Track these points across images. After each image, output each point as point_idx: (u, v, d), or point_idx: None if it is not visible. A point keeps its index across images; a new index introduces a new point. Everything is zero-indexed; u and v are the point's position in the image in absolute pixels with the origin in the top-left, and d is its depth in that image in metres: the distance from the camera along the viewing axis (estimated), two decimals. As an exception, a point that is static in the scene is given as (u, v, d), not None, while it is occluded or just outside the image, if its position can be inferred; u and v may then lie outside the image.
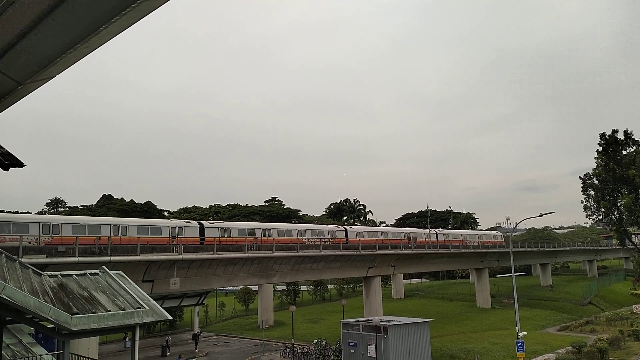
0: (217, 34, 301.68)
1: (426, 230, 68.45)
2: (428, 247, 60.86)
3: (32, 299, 11.84)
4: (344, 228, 56.12)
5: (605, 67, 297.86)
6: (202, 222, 43.83)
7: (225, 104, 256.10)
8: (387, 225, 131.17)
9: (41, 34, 4.36)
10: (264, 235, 45.85)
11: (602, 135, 63.11)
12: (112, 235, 34.58)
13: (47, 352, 18.72)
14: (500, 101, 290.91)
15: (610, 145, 62.52)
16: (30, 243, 30.56)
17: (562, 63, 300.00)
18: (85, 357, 20.17)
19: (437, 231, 69.31)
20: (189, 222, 42.64)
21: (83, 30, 4.29)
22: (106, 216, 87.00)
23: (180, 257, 35.18)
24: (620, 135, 62.96)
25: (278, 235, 46.77)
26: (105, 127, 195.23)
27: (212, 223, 44.60)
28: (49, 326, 13.07)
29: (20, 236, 29.42)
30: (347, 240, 53.34)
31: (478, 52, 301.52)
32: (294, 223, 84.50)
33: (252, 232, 45.45)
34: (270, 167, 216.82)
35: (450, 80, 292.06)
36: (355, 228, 59.01)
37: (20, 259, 17.53)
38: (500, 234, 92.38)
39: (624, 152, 63.43)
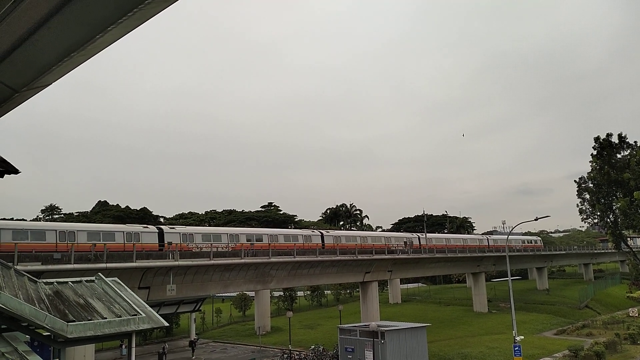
0: (212, 39, 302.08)
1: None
2: (424, 251, 60.93)
3: (28, 307, 11.78)
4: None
5: (600, 70, 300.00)
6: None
7: (222, 109, 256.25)
8: (383, 230, 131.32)
9: (37, 42, 4.39)
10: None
11: (597, 139, 63.54)
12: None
13: (42, 360, 18.62)
14: (496, 104, 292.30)
15: (605, 148, 62.95)
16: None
17: (557, 66, 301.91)
18: (81, 365, 20.06)
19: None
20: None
21: (79, 39, 4.32)
22: (102, 222, 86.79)
23: (176, 263, 35.11)
24: (615, 139, 63.42)
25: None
26: (102, 132, 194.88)
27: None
28: (44, 334, 12.99)
29: (15, 243, 29.29)
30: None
31: (474, 55, 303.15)
32: (288, 228, 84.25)
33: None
34: (267, 172, 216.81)
35: (446, 83, 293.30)
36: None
37: (15, 267, 17.47)
38: (540, 238, 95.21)
39: (619, 156, 63.88)
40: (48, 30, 4.24)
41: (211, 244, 41.22)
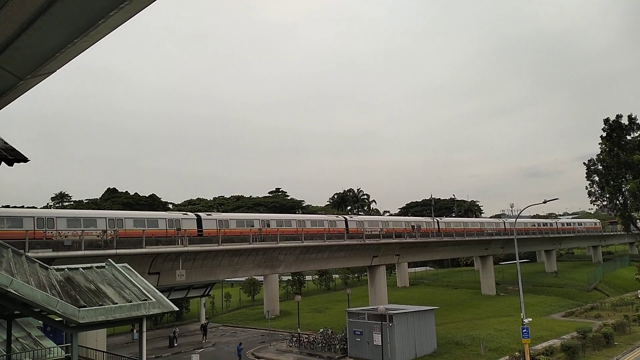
0: (220, 24, 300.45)
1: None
2: (432, 235, 60.95)
3: (40, 293, 11.95)
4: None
5: (610, 52, 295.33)
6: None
7: (229, 94, 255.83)
8: (391, 214, 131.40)
9: (40, 28, 4.36)
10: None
11: (607, 121, 62.86)
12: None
13: (55, 345, 18.96)
14: (505, 88, 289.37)
15: (615, 130, 62.30)
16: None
17: (567, 48, 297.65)
18: (94, 349, 20.39)
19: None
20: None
21: (82, 25, 4.29)
22: (111, 209, 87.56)
23: (185, 249, 35.41)
24: (625, 121, 62.71)
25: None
26: (109, 119, 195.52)
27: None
28: (57, 319, 13.20)
29: (26, 231, 29.72)
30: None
31: (483, 39, 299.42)
32: (297, 214, 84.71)
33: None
34: (274, 158, 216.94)
35: (455, 67, 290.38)
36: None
37: (27, 254, 17.68)
38: (599, 221, 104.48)
39: (629, 137, 63.23)
40: (51, 16, 4.21)
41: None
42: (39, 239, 30.25)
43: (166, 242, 36.08)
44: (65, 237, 32.27)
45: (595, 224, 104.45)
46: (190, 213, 44.35)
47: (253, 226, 44.80)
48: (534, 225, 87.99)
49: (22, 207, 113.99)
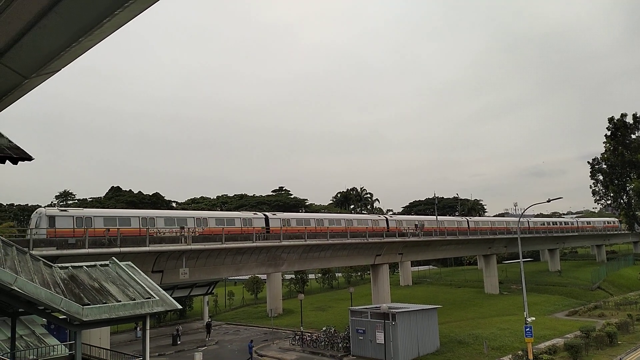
0: (224, 22, 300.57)
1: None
2: (435, 234, 60.87)
3: (44, 291, 12.01)
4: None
5: (615, 50, 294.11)
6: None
7: (232, 94, 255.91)
8: (394, 213, 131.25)
9: (45, 27, 4.37)
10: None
11: (611, 120, 62.56)
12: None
13: (59, 343, 19.04)
14: (508, 87, 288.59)
15: (619, 129, 62.01)
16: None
17: (572, 46, 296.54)
18: (97, 347, 20.45)
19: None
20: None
21: (86, 24, 4.29)
22: (115, 208, 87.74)
23: (189, 247, 35.45)
24: (630, 120, 62.42)
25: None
26: (112, 118, 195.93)
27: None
28: (60, 317, 13.26)
29: (30, 229, 29.88)
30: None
31: (488, 38, 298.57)
32: (300, 212, 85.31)
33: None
34: (277, 158, 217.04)
35: (459, 66, 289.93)
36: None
37: (31, 252, 17.75)
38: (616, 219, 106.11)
39: (633, 136, 62.92)
40: (56, 14, 4.22)
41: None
42: (143, 236, 34.22)
43: (170, 240, 36.16)
44: (163, 233, 37.40)
45: (614, 222, 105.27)
46: (259, 213, 49.92)
47: (310, 224, 49.98)
48: (556, 224, 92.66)
49: (27, 205, 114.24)
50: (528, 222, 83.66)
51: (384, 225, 57.13)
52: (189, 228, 38.49)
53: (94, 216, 35.89)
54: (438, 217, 70.47)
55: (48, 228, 32.35)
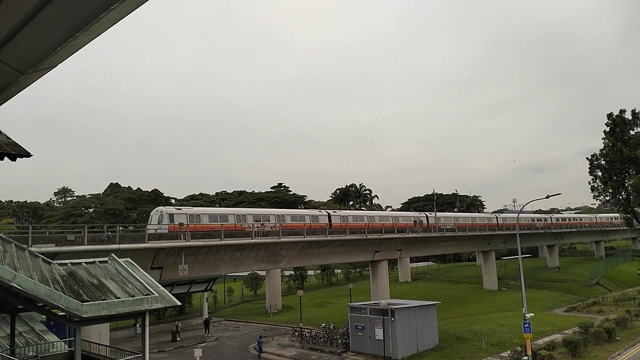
0: (221, 18, 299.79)
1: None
2: (434, 230, 60.94)
3: (43, 288, 12.00)
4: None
5: (615, 45, 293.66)
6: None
7: (230, 90, 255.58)
8: (393, 210, 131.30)
9: (41, 22, 4.35)
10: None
11: (610, 116, 62.51)
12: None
13: (58, 339, 19.06)
14: (507, 83, 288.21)
15: (618, 125, 61.98)
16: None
17: (570, 43, 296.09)
18: (97, 344, 20.46)
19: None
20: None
21: (83, 18, 4.27)
22: (114, 204, 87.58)
23: (187, 243, 35.44)
24: (628, 115, 62.38)
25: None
26: (109, 115, 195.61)
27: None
28: (60, 314, 13.26)
29: (36, 225, 29.79)
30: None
31: (486, 32, 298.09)
32: (298, 209, 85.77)
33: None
34: (276, 154, 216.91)
35: (458, 62, 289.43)
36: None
37: (30, 248, 17.74)
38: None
39: (632, 132, 62.90)
40: (52, 10, 4.19)
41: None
42: (239, 229, 41.17)
43: (168, 237, 36.17)
44: (250, 228, 42.36)
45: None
46: (323, 210, 56.88)
47: (364, 221, 55.34)
48: (577, 220, 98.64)
49: (25, 202, 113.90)
50: (551, 218, 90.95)
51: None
52: (273, 223, 45.87)
53: (202, 214, 43.42)
54: (473, 215, 75.48)
55: (169, 224, 38.86)
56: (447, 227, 63.25)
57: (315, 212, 54.52)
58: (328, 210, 55.66)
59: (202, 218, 42.36)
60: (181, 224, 38.68)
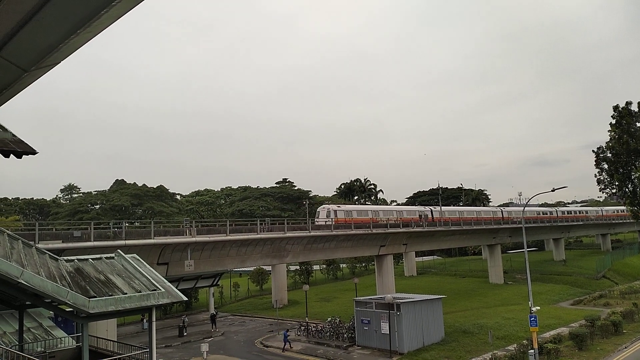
0: (225, 13, 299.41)
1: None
2: (440, 224, 60.88)
3: (50, 284, 12.08)
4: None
5: (619, 38, 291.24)
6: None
7: (233, 87, 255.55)
8: (398, 204, 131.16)
9: (43, 19, 4.34)
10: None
11: (616, 108, 62.05)
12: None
13: (66, 335, 19.21)
14: (511, 76, 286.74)
15: (624, 117, 61.52)
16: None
17: (574, 36, 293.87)
18: (104, 339, 20.61)
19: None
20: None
21: (84, 15, 4.26)
22: (120, 201, 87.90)
23: (193, 239, 35.59)
24: (635, 107, 61.89)
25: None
26: (116, 112, 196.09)
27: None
28: (67, 309, 13.35)
29: (42, 222, 29.94)
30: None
31: (490, 27, 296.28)
32: (304, 204, 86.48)
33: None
34: (279, 149, 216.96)
35: (461, 56, 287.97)
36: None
37: (36, 245, 17.85)
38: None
39: (638, 125, 62.41)
40: (53, 7, 4.19)
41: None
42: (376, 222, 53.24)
43: (174, 232, 36.31)
44: (384, 220, 56.08)
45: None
46: (427, 207, 70.19)
47: (457, 215, 66.96)
48: (583, 213, 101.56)
49: (32, 199, 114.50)
50: (562, 212, 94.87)
51: (429, 215, 66.47)
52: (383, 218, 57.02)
53: (353, 210, 57.92)
54: (494, 208, 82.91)
55: (335, 218, 51.59)
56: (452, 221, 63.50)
57: (420, 208, 68.57)
58: (430, 207, 68.91)
59: (353, 213, 55.90)
60: (420, 217, 57.48)
